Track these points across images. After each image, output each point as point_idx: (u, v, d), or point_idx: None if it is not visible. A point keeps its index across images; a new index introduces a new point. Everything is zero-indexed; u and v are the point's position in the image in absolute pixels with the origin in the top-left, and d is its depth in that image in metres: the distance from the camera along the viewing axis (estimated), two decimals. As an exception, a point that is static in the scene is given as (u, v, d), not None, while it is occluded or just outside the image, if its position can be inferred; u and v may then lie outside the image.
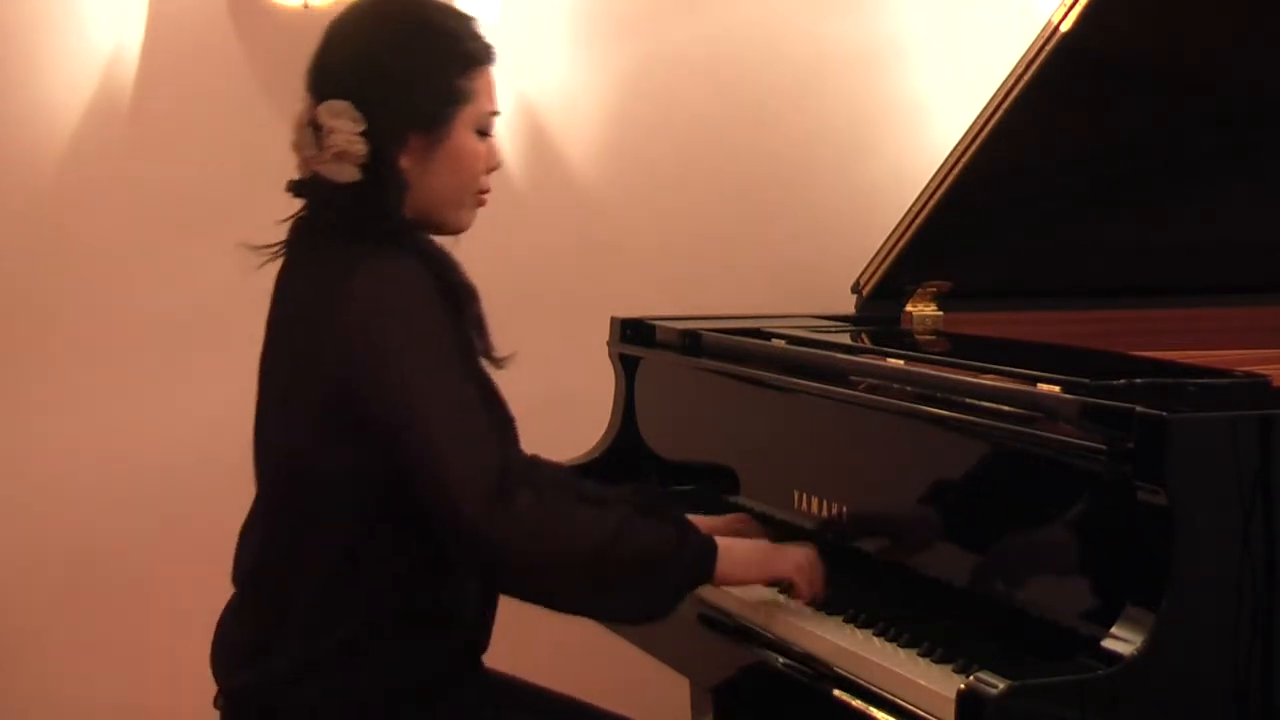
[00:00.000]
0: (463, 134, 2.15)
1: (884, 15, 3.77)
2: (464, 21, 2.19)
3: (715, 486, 2.72)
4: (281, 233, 2.23)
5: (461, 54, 2.15)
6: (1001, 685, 1.79)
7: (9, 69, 3.38)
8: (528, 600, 2.13)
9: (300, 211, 2.20)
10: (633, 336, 2.98)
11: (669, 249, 3.67)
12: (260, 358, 2.22)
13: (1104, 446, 1.93)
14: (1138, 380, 2.07)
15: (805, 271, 3.58)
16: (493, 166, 2.21)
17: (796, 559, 2.29)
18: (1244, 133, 2.85)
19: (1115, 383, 2.05)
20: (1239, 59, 2.75)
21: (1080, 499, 2.00)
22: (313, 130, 2.13)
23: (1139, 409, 1.89)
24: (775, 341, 2.72)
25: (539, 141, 3.60)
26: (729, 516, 2.54)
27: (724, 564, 2.18)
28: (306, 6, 3.42)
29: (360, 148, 2.10)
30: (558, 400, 3.42)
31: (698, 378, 2.84)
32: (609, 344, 3.02)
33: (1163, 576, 1.85)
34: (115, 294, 3.46)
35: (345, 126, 2.09)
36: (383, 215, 2.11)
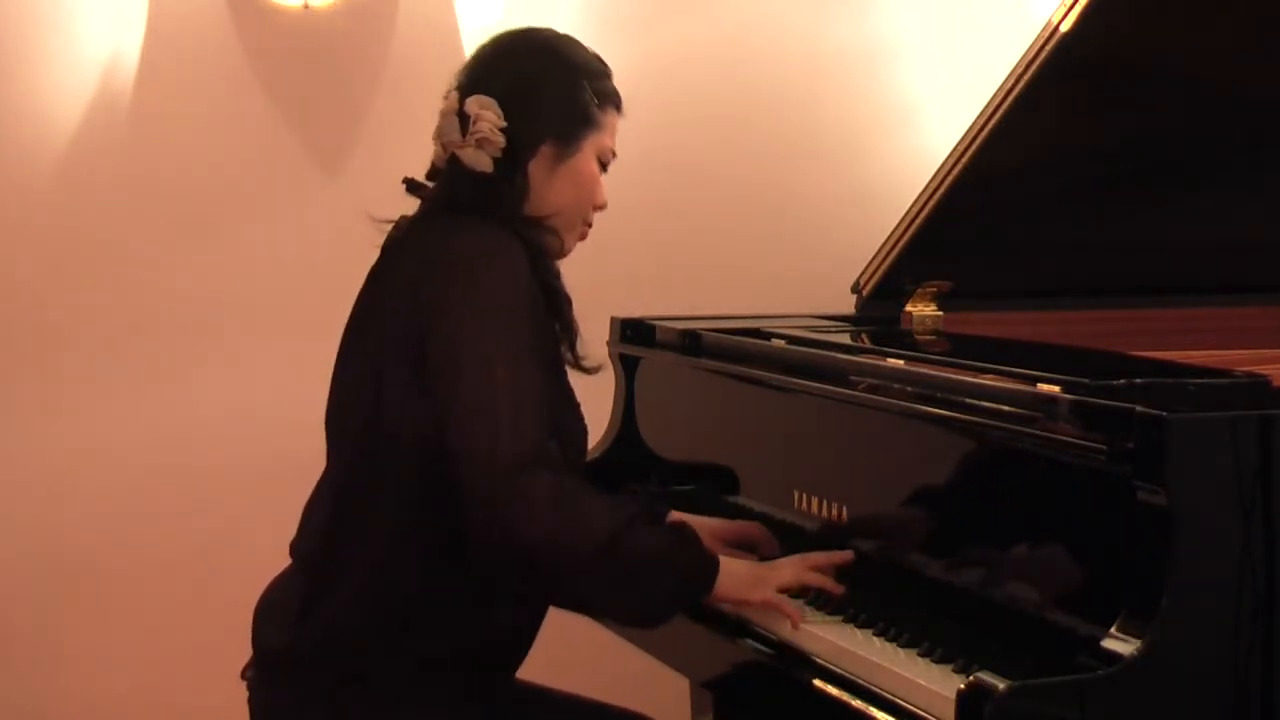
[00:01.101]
0: (588, 157, 2.30)
1: (884, 16, 3.77)
2: (605, 66, 2.35)
3: (715, 486, 2.72)
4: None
5: (600, 88, 2.31)
6: (1001, 685, 1.79)
7: (9, 69, 3.39)
8: (527, 588, 2.16)
9: (423, 194, 2.31)
10: (633, 336, 2.99)
11: (669, 249, 3.68)
12: (345, 334, 2.29)
13: (1104, 446, 1.93)
14: (1138, 380, 2.06)
15: (805, 271, 3.58)
16: (601, 203, 2.34)
17: (793, 566, 2.30)
18: (1244, 133, 2.86)
19: (1115, 383, 2.04)
20: (1239, 59, 2.75)
21: (1080, 499, 2.00)
22: (458, 118, 2.25)
23: (1139, 409, 1.89)
24: (775, 341, 2.72)
25: (539, 141, 3.60)
26: (740, 523, 2.54)
27: (724, 580, 2.21)
28: (306, 7, 3.42)
29: (500, 139, 2.23)
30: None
31: (698, 378, 2.84)
32: (609, 344, 3.02)
33: (1162, 576, 1.85)
34: (115, 294, 3.46)
35: (491, 118, 2.23)
36: (505, 205, 2.24)
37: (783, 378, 2.58)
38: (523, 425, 2.07)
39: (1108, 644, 1.85)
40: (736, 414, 2.72)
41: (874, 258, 2.94)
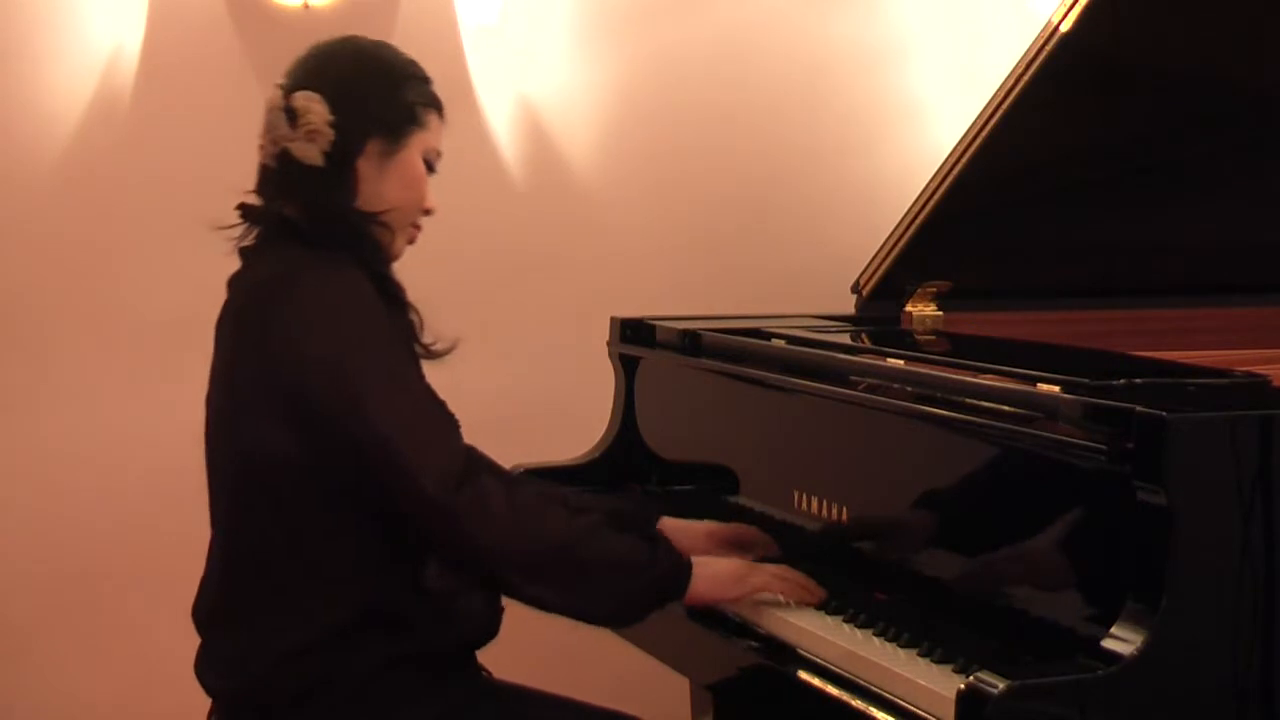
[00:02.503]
0: (414, 155, 2.29)
1: (884, 15, 3.77)
2: (424, 72, 2.35)
3: (715, 486, 2.72)
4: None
5: (422, 90, 2.32)
6: (1001, 685, 1.79)
7: (9, 69, 3.38)
8: (491, 588, 2.22)
9: (256, 206, 2.31)
10: (633, 336, 2.99)
11: (669, 249, 3.67)
12: (213, 361, 2.29)
13: (1104, 446, 1.93)
14: (1138, 380, 2.07)
15: (805, 271, 3.58)
16: (429, 207, 2.33)
17: (772, 570, 2.33)
18: (1243, 133, 2.86)
19: (1115, 383, 2.05)
20: (1239, 59, 2.75)
21: (1080, 499, 2.00)
22: (285, 113, 2.25)
23: (1139, 409, 1.89)
24: (775, 341, 2.72)
25: (539, 142, 3.60)
26: (736, 525, 2.54)
27: (698, 583, 2.24)
28: (306, 6, 3.42)
29: (330, 132, 2.23)
30: (558, 400, 3.42)
31: (698, 378, 2.84)
32: (609, 344, 3.02)
33: (1162, 576, 1.85)
34: (115, 293, 3.46)
35: (319, 110, 2.23)
36: (338, 210, 2.24)
37: (783, 378, 2.58)
38: (446, 439, 2.16)
39: (1108, 644, 1.85)
40: (736, 414, 2.72)
41: (874, 258, 2.94)
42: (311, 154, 2.23)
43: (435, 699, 2.21)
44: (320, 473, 2.14)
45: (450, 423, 2.20)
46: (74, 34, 3.40)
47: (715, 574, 2.28)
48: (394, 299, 2.24)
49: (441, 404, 2.21)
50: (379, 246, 2.26)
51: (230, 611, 2.23)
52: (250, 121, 3.49)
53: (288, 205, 2.26)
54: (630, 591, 2.21)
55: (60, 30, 3.39)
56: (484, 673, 2.33)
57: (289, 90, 2.26)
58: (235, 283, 2.33)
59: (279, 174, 2.27)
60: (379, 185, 2.26)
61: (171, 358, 3.49)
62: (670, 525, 2.48)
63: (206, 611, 2.27)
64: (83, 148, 3.42)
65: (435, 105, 2.33)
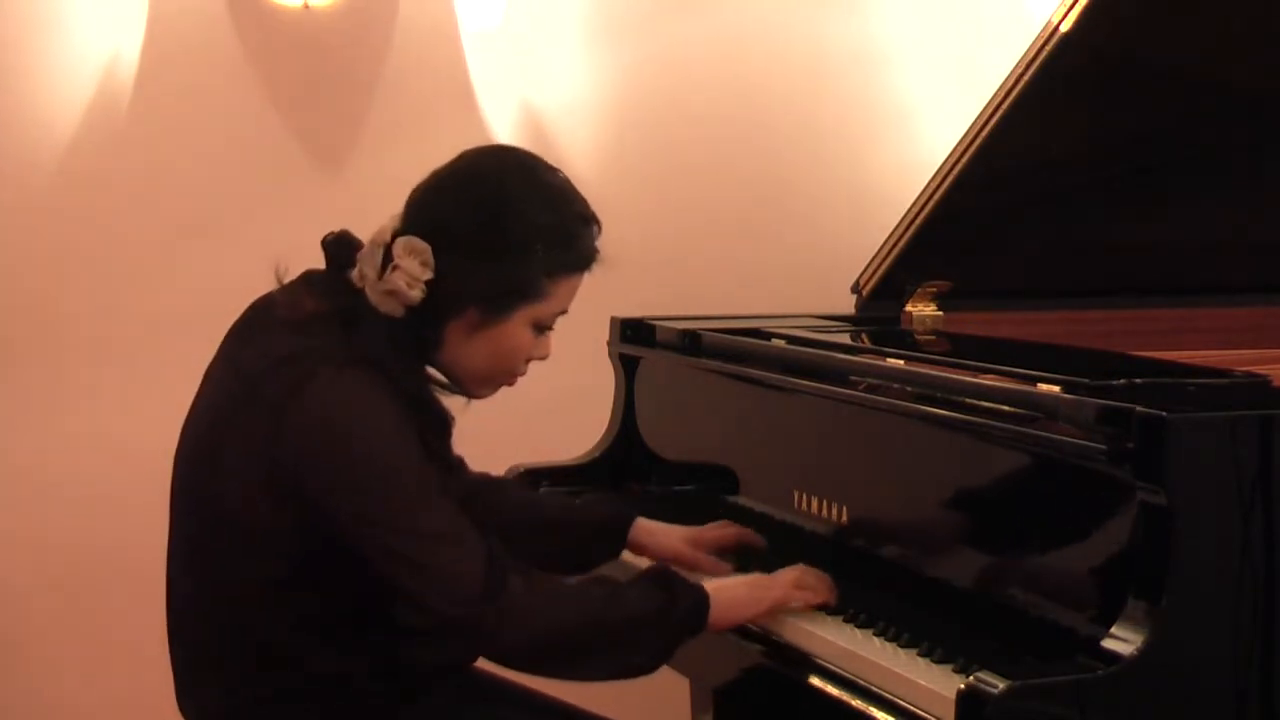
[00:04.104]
0: (519, 327, 2.10)
1: (884, 16, 3.77)
2: (583, 222, 2.14)
3: (715, 486, 2.72)
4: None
5: (560, 254, 2.11)
6: (1001, 685, 1.79)
7: (9, 69, 3.38)
8: (521, 671, 2.17)
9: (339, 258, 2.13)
10: (633, 336, 2.98)
11: (669, 249, 3.67)
12: (194, 402, 2.19)
13: (1104, 446, 1.93)
14: (1138, 380, 2.06)
15: (805, 271, 3.58)
16: (538, 357, 2.16)
17: (789, 579, 2.29)
18: (1244, 132, 2.85)
19: (1115, 383, 2.04)
20: (1238, 59, 2.75)
21: (1080, 499, 2.00)
22: (382, 253, 2.05)
23: (1139, 409, 1.89)
24: (775, 341, 2.72)
25: (541, 143, 3.59)
26: (712, 527, 2.53)
27: (717, 611, 2.20)
28: (306, 6, 3.42)
29: (417, 294, 2.03)
30: (558, 400, 3.42)
31: (698, 378, 2.84)
32: (609, 344, 3.02)
33: (1162, 576, 1.85)
34: (114, 293, 3.46)
35: (413, 269, 2.03)
36: (404, 357, 2.05)
37: (783, 378, 2.58)
38: (469, 552, 2.02)
39: (1108, 644, 1.85)
40: (736, 414, 2.72)
41: (874, 258, 2.94)
42: (389, 306, 2.04)
43: (425, 704, 2.20)
44: (290, 536, 2.05)
45: (471, 532, 2.04)
46: (74, 35, 3.40)
47: (733, 599, 2.23)
48: (422, 404, 2.09)
49: (462, 514, 2.07)
50: (427, 404, 2.08)
51: (207, 660, 2.18)
52: (250, 122, 3.52)
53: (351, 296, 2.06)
54: (659, 639, 2.15)
55: (60, 31, 3.39)
56: (478, 675, 2.32)
57: (404, 221, 2.05)
58: (238, 347, 2.15)
59: (354, 305, 2.06)
60: (465, 349, 2.09)
61: (171, 359, 3.49)
62: (646, 528, 2.47)
63: (182, 645, 2.23)
64: (83, 148, 3.42)
65: (575, 267, 2.11)
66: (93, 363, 3.46)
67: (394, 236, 2.05)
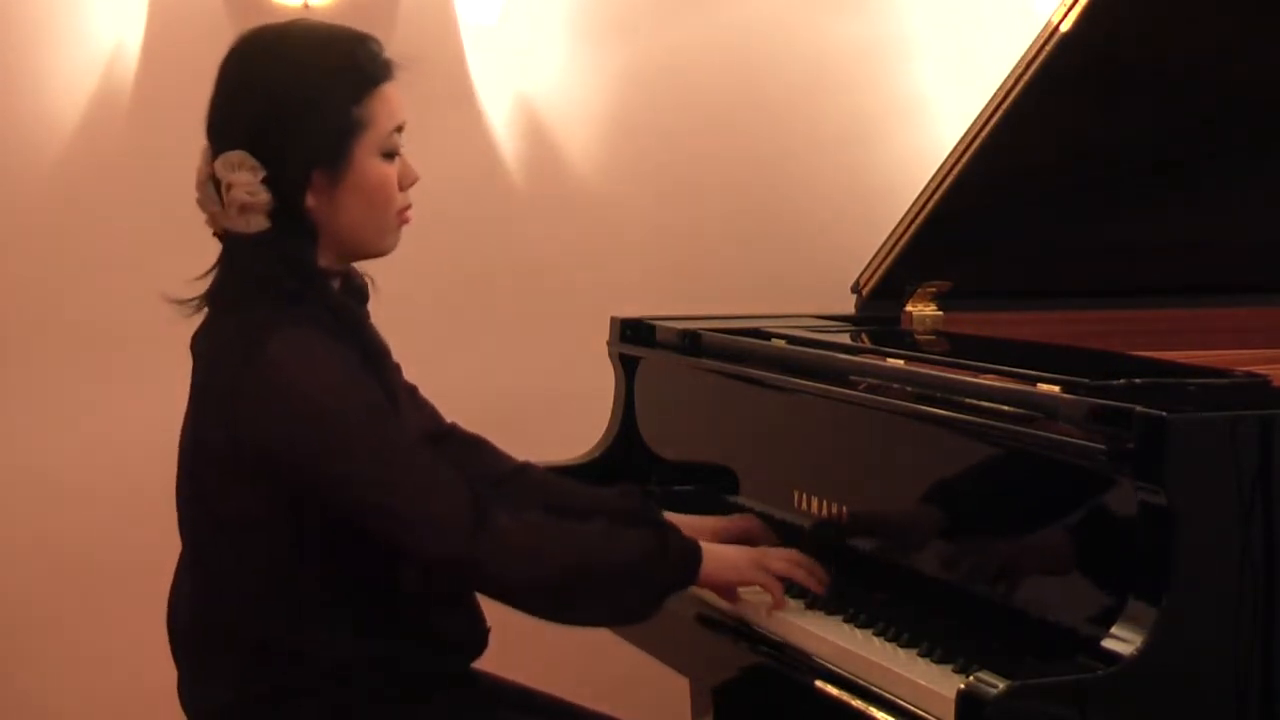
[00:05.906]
0: (367, 162, 2.11)
1: (885, 14, 3.77)
2: (355, 44, 2.13)
3: (715, 486, 2.72)
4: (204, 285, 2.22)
5: (353, 80, 2.10)
6: (1001, 685, 1.79)
7: (9, 68, 3.38)
8: (516, 608, 2.17)
9: (213, 269, 2.19)
10: (633, 336, 2.98)
11: (669, 249, 3.67)
12: (184, 421, 2.24)
13: (1104, 446, 1.93)
14: (1138, 380, 2.06)
15: (805, 271, 3.58)
16: (408, 183, 2.17)
17: (787, 555, 2.32)
18: (1243, 133, 2.85)
19: (1115, 383, 2.05)
20: (1239, 59, 2.75)
21: (1080, 499, 2.00)
22: (213, 185, 2.09)
23: (1139, 409, 1.89)
24: (775, 341, 2.72)
25: (539, 141, 3.60)
26: (735, 517, 2.54)
27: (709, 565, 2.23)
28: (306, 6, 3.42)
29: (264, 196, 2.07)
30: (558, 400, 3.42)
31: (698, 378, 2.84)
32: (609, 344, 3.02)
33: (1162, 576, 1.85)
34: (114, 291, 3.46)
35: (244, 178, 2.06)
36: (296, 267, 2.09)
37: (783, 378, 2.58)
38: (448, 490, 2.07)
39: (1108, 644, 1.85)
40: (736, 414, 2.72)
41: (874, 258, 2.94)
42: (253, 223, 2.07)
43: (428, 708, 2.20)
44: (284, 523, 2.08)
45: (449, 468, 2.10)
46: (73, 35, 3.40)
47: (725, 555, 2.26)
48: (371, 351, 2.14)
49: (431, 452, 2.13)
50: (343, 303, 2.13)
51: (208, 647, 2.20)
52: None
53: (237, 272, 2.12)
54: (650, 583, 2.18)
55: (60, 30, 3.39)
56: (479, 676, 2.32)
57: (214, 147, 2.09)
58: (198, 344, 2.21)
59: (230, 247, 2.13)
60: (338, 214, 2.10)
61: (172, 358, 3.49)
62: (674, 521, 2.48)
63: (182, 644, 2.26)
64: (83, 146, 3.42)
65: (375, 79, 2.11)
66: (91, 361, 3.45)
67: (211, 165, 2.09)
